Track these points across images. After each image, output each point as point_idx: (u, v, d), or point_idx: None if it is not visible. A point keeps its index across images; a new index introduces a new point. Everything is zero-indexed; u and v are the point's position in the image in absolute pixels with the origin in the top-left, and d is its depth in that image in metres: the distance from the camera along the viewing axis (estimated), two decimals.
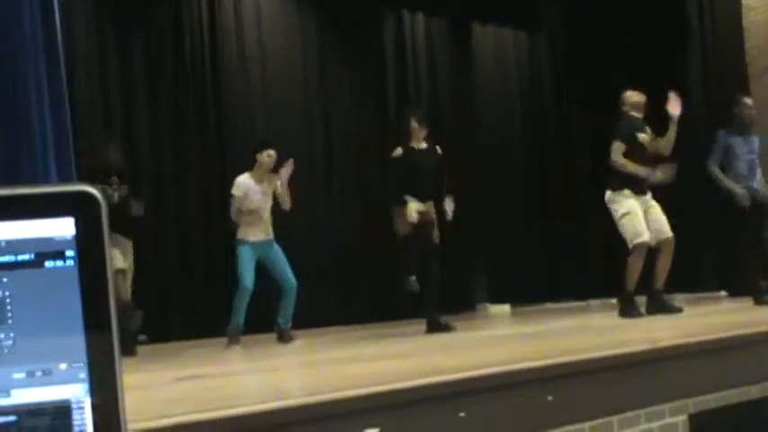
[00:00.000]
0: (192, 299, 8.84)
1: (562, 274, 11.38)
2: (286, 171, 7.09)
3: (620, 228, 7.04)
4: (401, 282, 6.98)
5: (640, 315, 6.90)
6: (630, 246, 6.96)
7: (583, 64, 11.54)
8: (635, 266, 6.95)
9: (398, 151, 7.11)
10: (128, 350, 6.73)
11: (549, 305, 10.73)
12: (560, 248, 11.43)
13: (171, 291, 8.66)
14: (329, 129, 10.14)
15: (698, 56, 10.65)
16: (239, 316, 7.00)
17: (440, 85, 11.17)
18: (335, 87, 10.24)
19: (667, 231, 7.04)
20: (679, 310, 6.89)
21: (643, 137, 7.07)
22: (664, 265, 7.02)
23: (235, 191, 7.10)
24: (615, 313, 7.13)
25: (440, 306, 7.12)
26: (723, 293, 7.92)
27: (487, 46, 11.75)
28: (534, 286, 11.19)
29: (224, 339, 7.12)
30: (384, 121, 10.42)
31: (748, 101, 7.67)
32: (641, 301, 7.14)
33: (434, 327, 6.85)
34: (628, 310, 6.95)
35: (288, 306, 7.10)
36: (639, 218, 6.98)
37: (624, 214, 6.99)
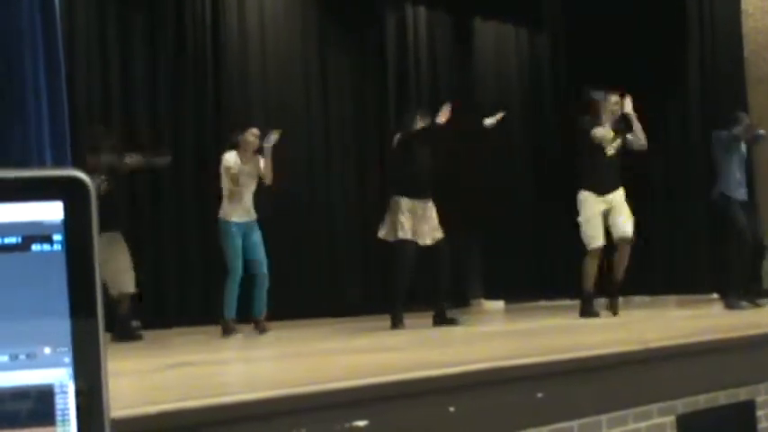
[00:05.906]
0: (188, 285, 8.82)
1: (557, 272, 11.39)
2: (270, 140, 6.81)
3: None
4: (393, 296, 6.85)
5: (596, 315, 7.04)
6: (588, 249, 7.14)
7: (583, 64, 11.53)
8: (588, 269, 7.11)
9: (398, 138, 7.08)
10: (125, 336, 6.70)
11: (542, 302, 10.74)
12: (556, 247, 11.45)
13: (166, 277, 8.65)
14: (328, 123, 10.12)
15: (696, 60, 10.68)
16: (232, 305, 6.82)
17: (440, 80, 11.15)
18: (336, 82, 10.21)
19: (627, 232, 7.08)
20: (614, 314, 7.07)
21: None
22: (620, 263, 7.09)
23: (232, 166, 6.80)
24: (608, 313, 7.15)
25: (448, 299, 7.13)
26: (715, 296, 7.95)
27: (489, 42, 11.73)
28: (529, 283, 11.20)
29: (218, 327, 7.08)
30: (384, 115, 10.41)
31: (746, 118, 7.97)
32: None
33: (441, 320, 6.86)
34: (586, 309, 7.09)
35: (260, 296, 6.88)
36: (595, 223, 7.11)
37: (583, 220, 7.16)
